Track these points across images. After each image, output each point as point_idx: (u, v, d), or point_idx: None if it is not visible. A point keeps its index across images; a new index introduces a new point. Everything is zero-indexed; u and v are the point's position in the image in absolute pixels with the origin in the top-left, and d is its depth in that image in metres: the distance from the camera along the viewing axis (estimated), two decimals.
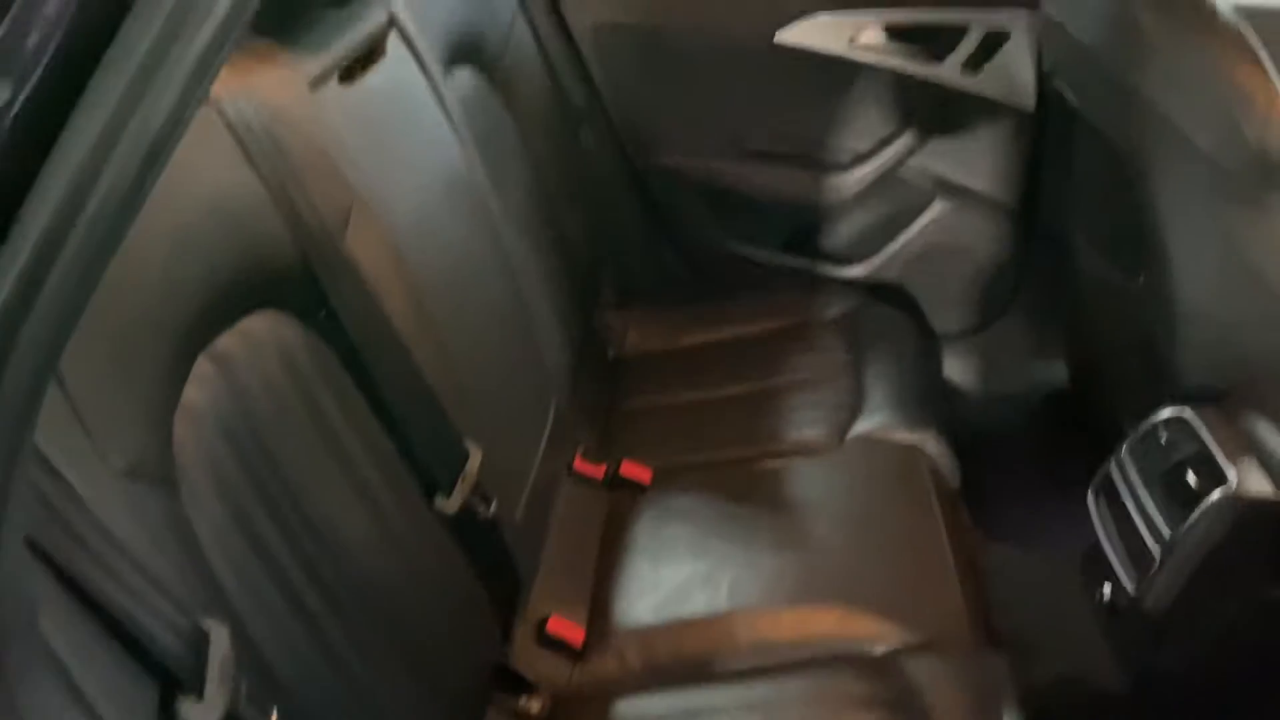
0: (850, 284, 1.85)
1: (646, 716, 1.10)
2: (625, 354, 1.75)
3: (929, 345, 1.77)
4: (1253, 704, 1.15)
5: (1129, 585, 1.22)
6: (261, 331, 0.87)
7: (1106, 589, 1.30)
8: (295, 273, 0.91)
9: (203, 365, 0.80)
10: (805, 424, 1.48)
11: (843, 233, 1.87)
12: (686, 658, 1.16)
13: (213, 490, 0.78)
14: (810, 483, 1.38)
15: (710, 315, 1.78)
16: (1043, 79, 1.62)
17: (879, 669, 1.10)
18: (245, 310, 0.86)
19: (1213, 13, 1.14)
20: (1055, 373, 1.88)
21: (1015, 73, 1.67)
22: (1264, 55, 1.10)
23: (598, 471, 1.45)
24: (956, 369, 1.86)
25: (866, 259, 1.86)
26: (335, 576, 0.87)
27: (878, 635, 1.13)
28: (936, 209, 1.81)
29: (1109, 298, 1.49)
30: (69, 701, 0.57)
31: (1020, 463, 1.72)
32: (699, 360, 1.69)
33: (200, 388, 0.79)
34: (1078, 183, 1.59)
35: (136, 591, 0.63)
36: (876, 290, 1.82)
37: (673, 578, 1.26)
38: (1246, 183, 1.16)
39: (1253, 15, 1.15)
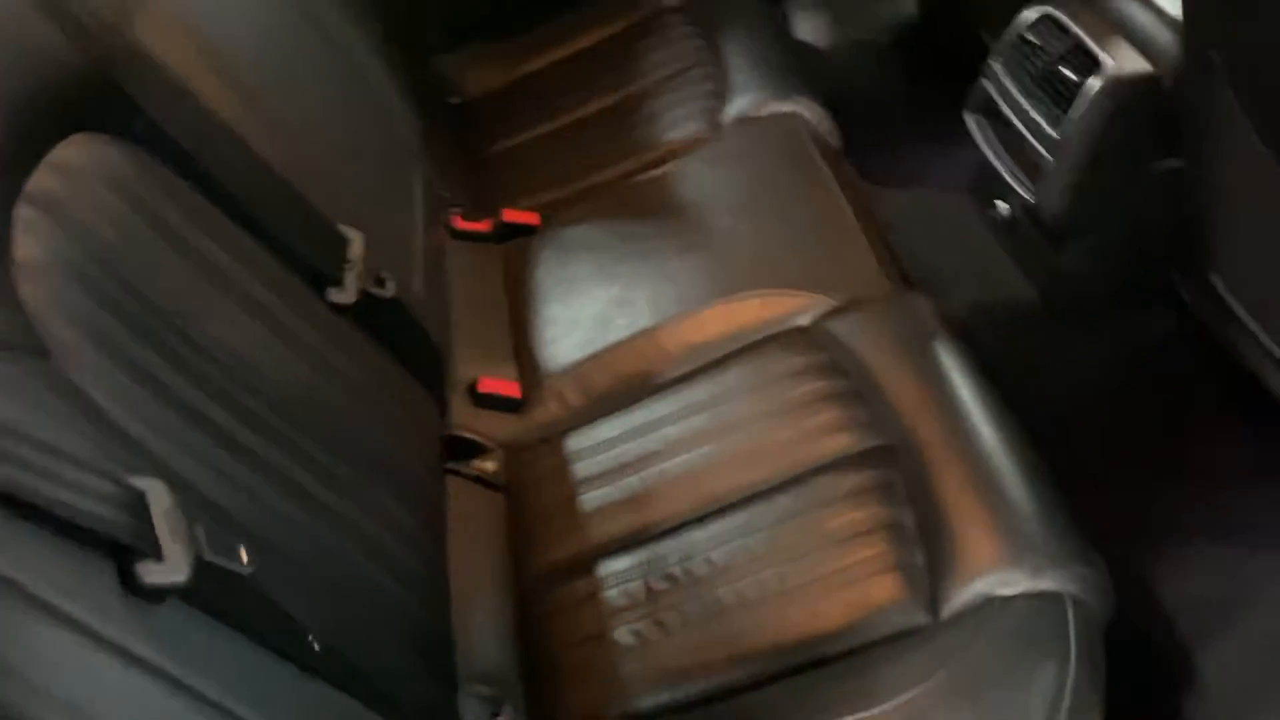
0: None
1: (599, 444, 1.10)
2: (470, 98, 1.65)
3: (775, 10, 1.70)
4: (1156, 280, 1.20)
5: (1026, 195, 1.25)
6: (78, 160, 0.76)
7: (1002, 207, 1.33)
8: (91, 84, 0.79)
9: (24, 213, 0.70)
10: (678, 122, 1.43)
11: None
12: (624, 380, 1.16)
13: (89, 345, 0.70)
14: (698, 179, 1.34)
15: (549, 35, 1.66)
16: None
17: (809, 339, 1.11)
18: (48, 141, 0.75)
19: None
20: (903, 6, 1.85)
21: None
22: None
23: (483, 226, 1.39)
24: (806, 29, 1.81)
25: None
26: (257, 403, 0.81)
27: (800, 308, 1.14)
28: None
29: None
30: (30, 616, 0.53)
31: (889, 107, 1.71)
32: (549, 85, 1.59)
33: (32, 239, 0.70)
34: None
35: (53, 475, 0.57)
36: None
37: (589, 310, 1.23)
38: None
39: None
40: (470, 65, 1.66)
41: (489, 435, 1.15)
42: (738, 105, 1.41)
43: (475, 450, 1.14)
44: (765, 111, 1.39)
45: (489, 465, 1.14)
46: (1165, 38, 1.13)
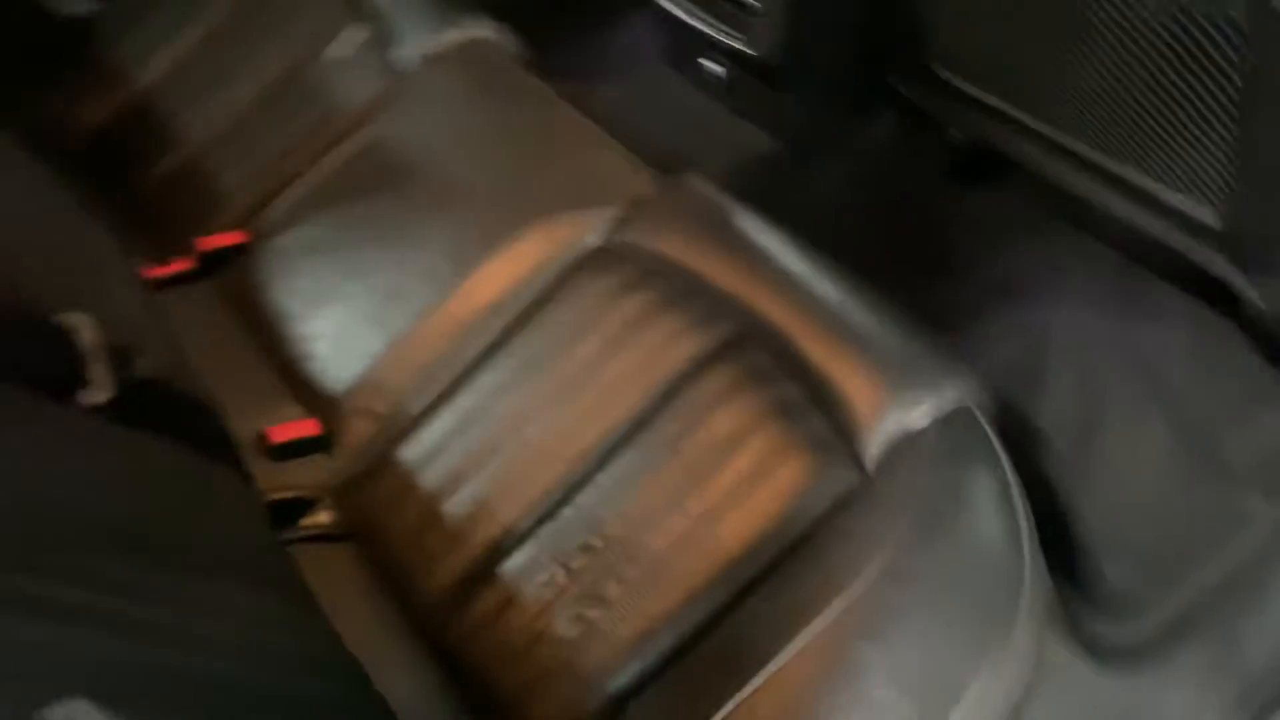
0: None
1: (436, 444, 0.99)
2: (91, 133, 1.39)
3: None
4: (879, 88, 1.24)
5: (739, 47, 1.23)
6: None
7: (712, 68, 1.31)
8: None
9: None
10: (352, 84, 1.28)
11: None
12: (430, 369, 1.04)
13: None
14: (407, 136, 1.21)
15: (151, 37, 1.42)
16: None
17: (609, 256, 1.04)
18: None
19: None
20: None
21: None
22: None
23: (183, 266, 1.19)
24: None
25: None
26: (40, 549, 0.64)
27: (583, 229, 1.06)
28: None
29: None
30: None
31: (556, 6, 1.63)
32: (181, 88, 1.37)
33: None
34: None
35: None
36: None
37: (356, 312, 1.10)
38: None
39: None
40: (75, 100, 1.41)
41: (308, 485, 1.01)
42: (409, 48, 1.29)
43: (301, 508, 0.99)
44: (443, 46, 1.28)
45: (322, 518, 1.00)
46: None
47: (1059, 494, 1.09)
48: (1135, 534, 1.11)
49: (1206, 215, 0.96)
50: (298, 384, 1.08)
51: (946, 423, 0.86)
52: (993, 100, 1.11)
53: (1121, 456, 1.16)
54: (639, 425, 0.93)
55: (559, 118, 1.18)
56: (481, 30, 1.29)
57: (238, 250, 1.19)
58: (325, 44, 1.31)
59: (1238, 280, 1.00)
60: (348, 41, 1.31)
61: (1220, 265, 1.00)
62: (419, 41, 1.28)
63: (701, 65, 1.30)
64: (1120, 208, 1.06)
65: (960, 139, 1.25)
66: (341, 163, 1.23)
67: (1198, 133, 0.91)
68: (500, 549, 0.92)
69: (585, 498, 0.92)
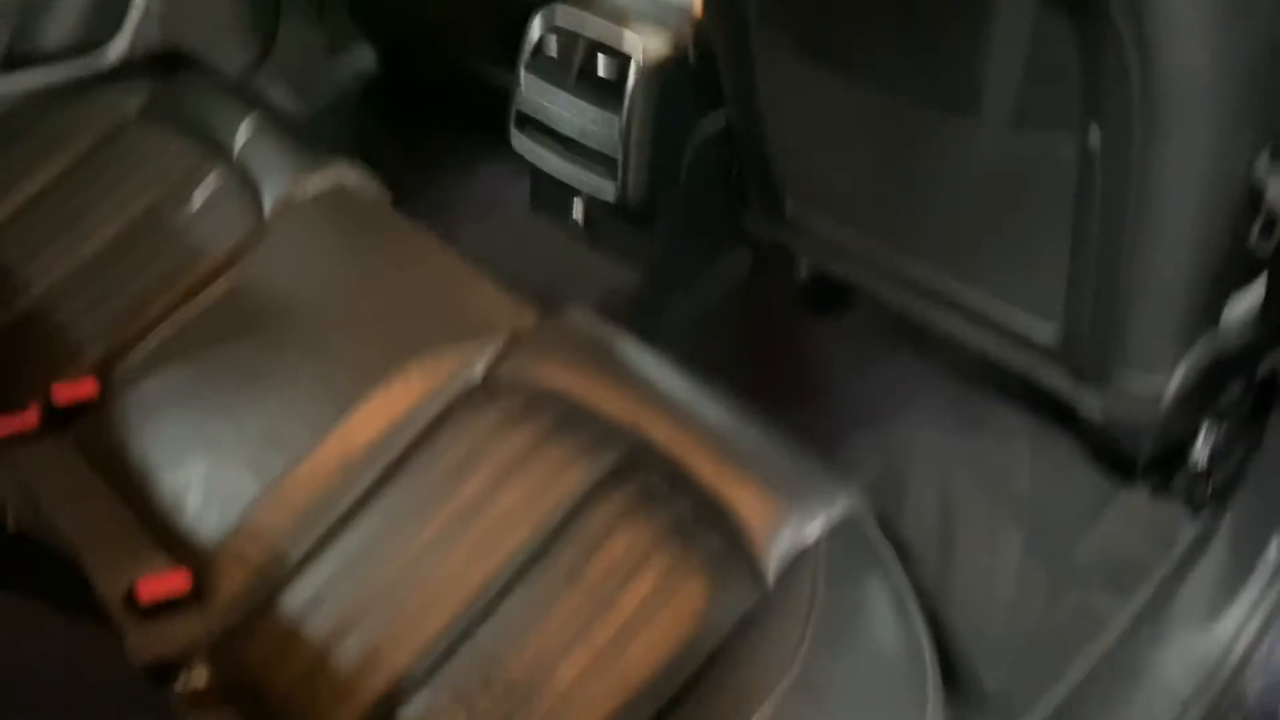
0: (118, 72, 1.54)
1: (319, 590, 0.95)
2: None
3: (246, 89, 1.58)
4: (734, 226, 1.31)
5: (602, 193, 1.29)
6: None
7: (576, 210, 1.36)
8: None
9: None
10: (213, 228, 1.26)
11: (70, 14, 1.52)
12: (310, 512, 1.00)
13: None
14: (275, 279, 1.20)
15: None
16: None
17: (491, 390, 1.05)
18: None
19: None
20: (359, 61, 1.82)
21: None
22: None
23: (29, 420, 1.12)
24: (278, 99, 1.70)
25: (117, 33, 1.55)
26: None
27: (464, 364, 1.07)
28: None
29: None
30: None
31: (415, 151, 1.67)
32: (26, 234, 1.32)
33: None
34: None
35: None
36: (149, 64, 1.55)
37: (230, 458, 1.05)
38: None
39: None
40: None
41: (181, 644, 0.94)
42: (271, 193, 1.29)
43: (173, 670, 0.93)
44: (307, 190, 1.28)
45: (199, 681, 0.93)
46: (669, 15, 1.23)
47: (930, 602, 1.14)
48: (1002, 637, 1.16)
49: (1043, 333, 1.06)
50: (166, 536, 1.02)
51: (838, 534, 0.89)
52: (838, 233, 1.20)
53: (981, 565, 1.23)
54: (535, 556, 0.93)
55: (431, 256, 1.20)
56: (345, 174, 1.30)
57: (91, 405, 1.14)
58: (186, 188, 1.30)
59: (1074, 394, 1.09)
60: (210, 186, 1.29)
61: (1058, 380, 1.10)
62: (283, 185, 1.28)
63: (563, 207, 1.35)
64: (962, 330, 1.15)
65: (811, 270, 1.34)
66: (205, 308, 1.20)
67: (1032, 257, 1.01)
68: (397, 696, 0.89)
69: (485, 635, 0.90)
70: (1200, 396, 1.05)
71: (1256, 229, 0.87)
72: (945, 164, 0.99)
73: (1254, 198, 0.85)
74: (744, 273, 1.43)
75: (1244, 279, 0.96)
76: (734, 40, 1.09)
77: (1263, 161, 0.83)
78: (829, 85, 1.03)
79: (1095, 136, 0.83)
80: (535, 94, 1.29)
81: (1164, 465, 1.16)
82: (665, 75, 1.21)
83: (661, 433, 0.98)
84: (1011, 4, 0.82)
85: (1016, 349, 1.11)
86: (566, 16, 1.25)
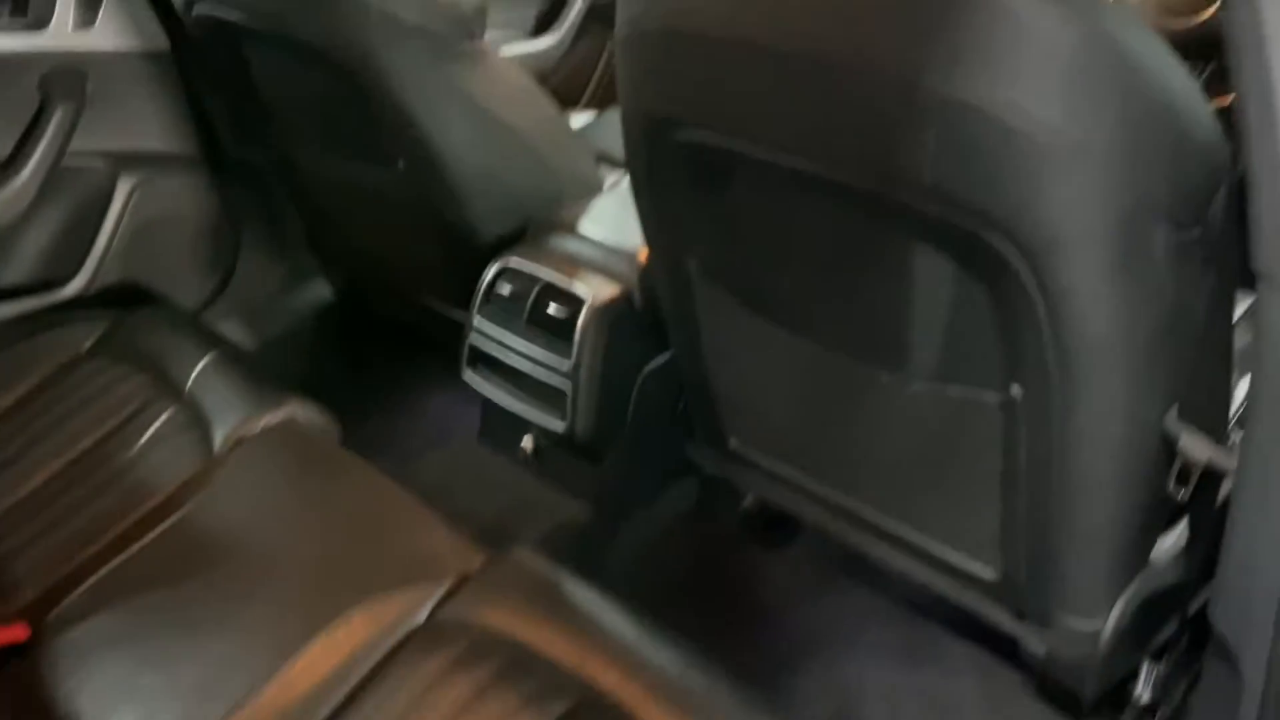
0: (77, 303, 1.58)
1: None
2: None
3: (199, 324, 1.61)
4: (680, 458, 1.35)
5: (553, 426, 1.31)
6: None
7: (526, 443, 1.38)
8: None
9: None
10: (162, 464, 1.26)
11: (33, 252, 1.56)
12: None
13: None
14: (220, 519, 1.19)
15: None
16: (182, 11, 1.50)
17: (436, 635, 1.03)
18: None
19: None
20: (316, 292, 1.87)
21: (135, 17, 1.52)
22: None
23: None
24: (235, 330, 1.74)
25: (79, 271, 1.60)
26: None
27: (409, 607, 1.06)
28: (125, 187, 1.60)
29: (344, 195, 1.51)
30: None
31: (369, 388, 1.70)
32: None
33: None
34: (269, 105, 1.53)
35: None
36: (109, 298, 1.59)
37: (152, 713, 1.01)
38: (454, 38, 1.24)
39: None
40: None
41: None
42: (221, 430, 1.30)
43: None
44: (258, 427, 1.30)
45: None
46: (617, 262, 1.30)
47: None
48: None
49: (983, 573, 1.08)
50: None
51: None
52: (780, 468, 1.23)
53: None
54: None
55: (379, 494, 1.20)
56: (296, 410, 1.32)
57: (19, 649, 1.10)
58: (136, 425, 1.30)
59: (1017, 631, 1.11)
60: (160, 422, 1.30)
61: (1000, 617, 1.11)
62: (233, 422, 1.29)
63: (513, 438, 1.38)
64: (905, 565, 1.17)
65: (757, 502, 1.36)
66: (146, 549, 1.18)
67: (967, 502, 1.04)
68: None
69: None
70: (1138, 634, 1.07)
71: (1173, 477, 0.92)
72: (879, 412, 1.03)
73: (1168, 448, 0.90)
74: (690, 504, 1.45)
75: (1167, 522, 1.00)
76: (677, 290, 1.16)
77: (1172, 416, 0.88)
78: (767, 334, 1.09)
79: (1017, 392, 0.88)
80: (488, 333, 1.34)
81: (1110, 702, 1.16)
82: (614, 316, 1.27)
83: (611, 680, 0.97)
84: (933, 272, 0.88)
85: (959, 586, 1.13)
86: (520, 262, 1.31)
